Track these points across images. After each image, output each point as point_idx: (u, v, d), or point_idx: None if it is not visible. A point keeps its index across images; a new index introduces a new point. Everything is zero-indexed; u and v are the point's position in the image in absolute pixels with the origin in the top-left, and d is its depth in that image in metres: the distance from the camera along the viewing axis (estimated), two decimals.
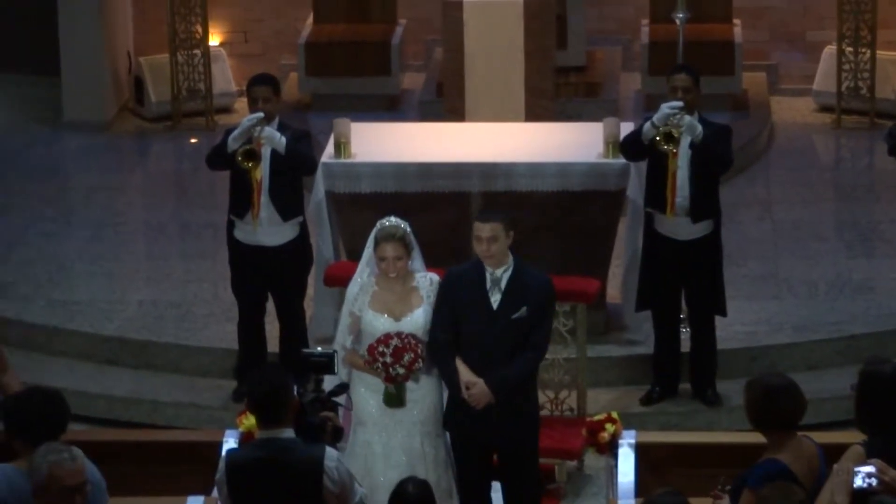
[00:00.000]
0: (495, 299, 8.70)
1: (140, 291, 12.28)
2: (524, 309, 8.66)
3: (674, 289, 10.94)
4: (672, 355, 11.05)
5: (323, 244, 11.30)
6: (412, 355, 8.63)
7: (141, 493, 8.53)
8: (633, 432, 9.30)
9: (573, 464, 10.18)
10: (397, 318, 8.74)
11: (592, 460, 10.06)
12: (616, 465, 9.13)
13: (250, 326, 11.21)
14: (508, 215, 9.07)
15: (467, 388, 8.61)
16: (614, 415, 9.80)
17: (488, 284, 8.73)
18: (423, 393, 8.90)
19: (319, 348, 8.98)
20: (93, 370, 11.47)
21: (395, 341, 8.65)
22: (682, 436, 9.82)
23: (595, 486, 10.07)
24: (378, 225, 8.98)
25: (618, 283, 11.53)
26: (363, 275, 9.08)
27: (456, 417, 8.85)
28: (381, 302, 8.84)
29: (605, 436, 9.54)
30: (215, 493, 8.00)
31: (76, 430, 9.00)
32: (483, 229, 8.73)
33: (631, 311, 11.30)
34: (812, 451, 7.47)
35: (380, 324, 8.72)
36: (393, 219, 9.01)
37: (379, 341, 8.66)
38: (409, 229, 8.97)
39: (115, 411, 10.96)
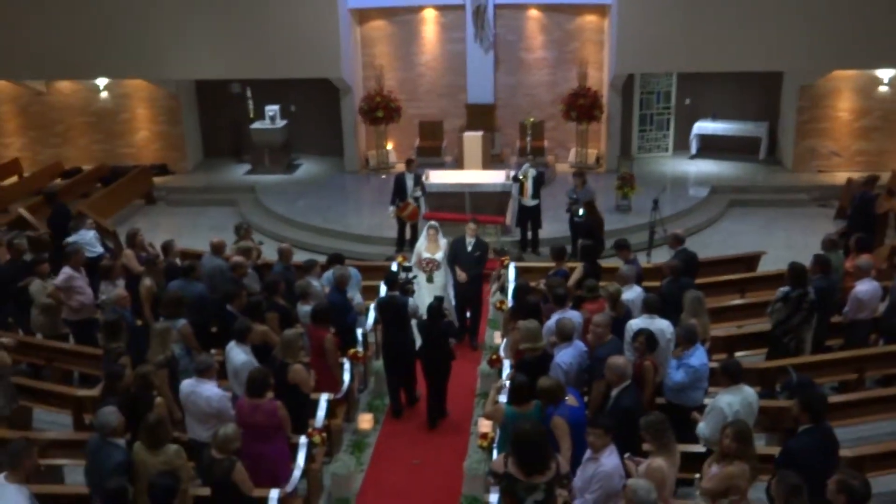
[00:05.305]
0: (470, 248, 8.48)
1: (362, 225, 12.01)
2: (479, 252, 8.50)
3: (526, 221, 10.93)
4: (525, 239, 11.03)
5: (423, 207, 11.23)
6: (432, 264, 8.38)
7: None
8: (514, 263, 9.46)
9: (496, 272, 9.62)
10: (433, 254, 8.45)
11: (501, 271, 9.47)
12: (508, 271, 9.24)
13: (401, 232, 11.14)
14: (480, 222, 8.85)
15: (460, 274, 8.50)
16: (508, 257, 9.68)
17: (467, 241, 8.51)
18: (439, 282, 8.51)
19: (407, 262, 8.66)
20: (352, 244, 11.49)
21: (427, 258, 8.42)
22: (528, 264, 9.69)
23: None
24: (427, 224, 8.70)
25: (510, 218, 11.29)
26: (421, 239, 8.71)
27: (456, 285, 8.61)
28: (427, 249, 8.50)
29: (506, 262, 9.41)
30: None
31: (347, 264, 8.18)
32: (472, 227, 8.57)
33: (513, 227, 11.24)
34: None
35: (427, 256, 8.49)
36: (433, 221, 8.75)
37: (422, 259, 8.47)
38: (437, 224, 8.60)
39: (358, 257, 10.60)
